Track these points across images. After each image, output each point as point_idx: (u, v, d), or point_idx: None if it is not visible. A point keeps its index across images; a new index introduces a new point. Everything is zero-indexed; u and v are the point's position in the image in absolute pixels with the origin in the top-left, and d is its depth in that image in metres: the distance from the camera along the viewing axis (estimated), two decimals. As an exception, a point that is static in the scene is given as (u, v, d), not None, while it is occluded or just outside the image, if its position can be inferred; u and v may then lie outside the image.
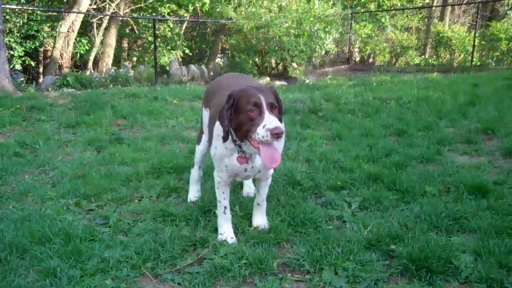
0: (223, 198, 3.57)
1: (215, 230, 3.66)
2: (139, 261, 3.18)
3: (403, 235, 3.46)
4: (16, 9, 17.20)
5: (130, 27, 22.61)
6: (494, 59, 17.36)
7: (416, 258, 3.08)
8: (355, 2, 21.41)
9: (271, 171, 3.66)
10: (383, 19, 20.39)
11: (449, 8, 24.36)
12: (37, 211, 4.06)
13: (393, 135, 6.52)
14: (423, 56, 20.33)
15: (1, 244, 3.43)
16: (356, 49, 20.36)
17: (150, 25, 21.33)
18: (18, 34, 18.20)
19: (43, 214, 4.00)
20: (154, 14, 17.08)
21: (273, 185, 4.49)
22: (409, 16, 21.25)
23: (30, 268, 3.15)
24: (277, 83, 13.27)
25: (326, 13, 14.33)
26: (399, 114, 7.51)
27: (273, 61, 14.86)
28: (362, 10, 21.85)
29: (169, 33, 22.24)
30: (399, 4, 21.92)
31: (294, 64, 15.04)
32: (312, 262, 3.16)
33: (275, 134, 2.88)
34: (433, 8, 24.40)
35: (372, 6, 22.34)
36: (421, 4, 25.84)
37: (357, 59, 20.71)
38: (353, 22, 18.66)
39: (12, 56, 17.58)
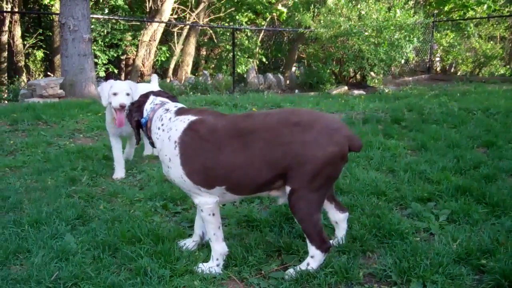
0: None
1: (299, 236, 3.65)
2: (227, 265, 3.23)
3: (494, 250, 3.30)
4: (101, 19, 17.99)
5: (208, 36, 23.08)
6: None
7: (510, 274, 2.93)
8: (436, 11, 20.80)
9: (197, 201, 3.23)
10: (467, 28, 19.69)
11: (538, 16, 23.18)
12: (126, 212, 4.22)
13: (481, 147, 6.25)
14: (508, 66, 19.47)
15: (94, 242, 3.58)
16: (438, 58, 19.80)
17: (228, 33, 21.71)
18: (102, 43, 19.02)
19: (132, 215, 4.15)
20: (231, 23, 17.35)
21: (357, 195, 4.44)
22: (494, 26, 20.42)
23: (122, 266, 3.26)
24: (355, 92, 13.14)
25: (407, 21, 14.03)
26: (487, 126, 7.18)
27: (351, 70, 14.72)
28: (445, 19, 21.22)
29: (246, 42, 22.52)
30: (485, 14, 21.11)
31: (373, 73, 14.83)
32: (399, 274, 3.08)
33: None
34: (521, 16, 23.34)
35: (455, 15, 21.64)
36: (508, 12, 24.79)
37: (438, 69, 20.14)
38: (434, 30, 18.17)
39: (97, 64, 18.38)
